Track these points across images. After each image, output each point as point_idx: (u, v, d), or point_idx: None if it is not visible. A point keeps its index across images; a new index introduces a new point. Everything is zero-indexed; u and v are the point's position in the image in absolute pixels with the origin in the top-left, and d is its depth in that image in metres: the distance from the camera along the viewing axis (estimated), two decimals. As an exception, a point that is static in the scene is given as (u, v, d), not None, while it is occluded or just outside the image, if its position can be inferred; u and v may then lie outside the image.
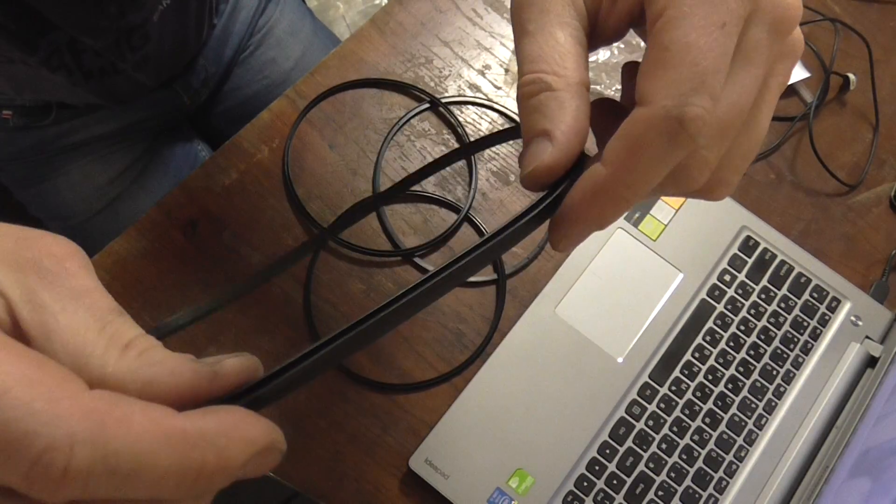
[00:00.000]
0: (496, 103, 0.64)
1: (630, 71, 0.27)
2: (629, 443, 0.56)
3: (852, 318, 0.62)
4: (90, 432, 0.14)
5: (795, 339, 0.61)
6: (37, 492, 0.14)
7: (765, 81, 0.24)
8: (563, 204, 0.25)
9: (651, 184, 0.23)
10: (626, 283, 0.60)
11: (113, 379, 0.18)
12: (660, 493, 0.56)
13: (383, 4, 0.94)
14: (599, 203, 0.23)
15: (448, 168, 0.62)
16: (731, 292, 0.61)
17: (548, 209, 0.25)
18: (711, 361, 0.59)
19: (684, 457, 0.57)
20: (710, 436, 0.58)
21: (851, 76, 0.70)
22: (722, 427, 0.58)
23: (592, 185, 0.23)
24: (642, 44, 0.69)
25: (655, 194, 0.26)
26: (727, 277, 0.62)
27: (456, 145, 0.63)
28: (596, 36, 0.26)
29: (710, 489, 0.56)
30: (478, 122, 0.64)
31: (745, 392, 0.59)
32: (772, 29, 0.23)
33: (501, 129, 0.26)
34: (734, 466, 0.57)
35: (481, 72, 0.65)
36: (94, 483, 0.15)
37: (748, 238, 0.63)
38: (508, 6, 0.68)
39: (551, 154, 0.24)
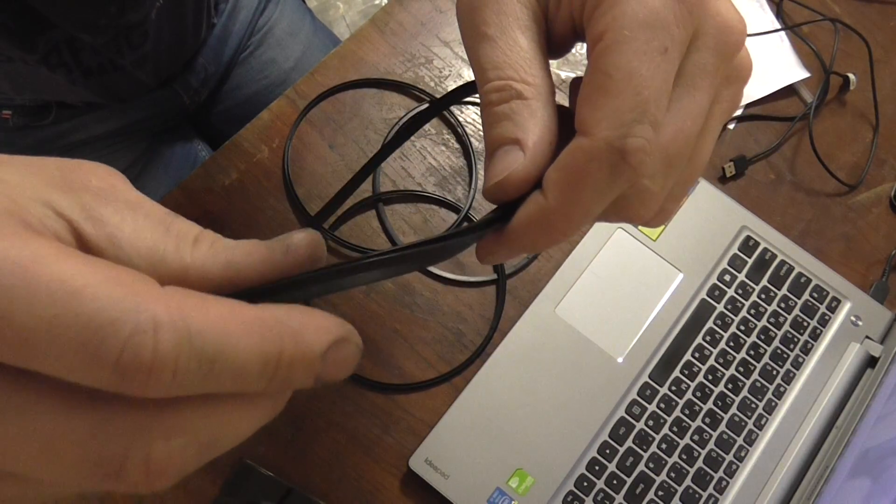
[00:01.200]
0: (496, 103, 0.64)
1: (577, 87, 0.26)
2: (629, 443, 0.56)
3: (852, 318, 0.62)
4: (171, 315, 0.15)
5: (795, 339, 0.61)
6: (128, 384, 0.14)
7: (710, 108, 0.23)
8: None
9: (591, 216, 0.22)
10: (626, 283, 0.60)
11: (194, 267, 0.18)
12: (660, 493, 0.56)
13: (383, 4, 0.94)
14: (535, 232, 0.23)
15: (448, 168, 0.62)
16: (731, 292, 0.61)
17: (503, 222, 0.24)
18: (711, 361, 0.59)
19: (684, 457, 0.57)
20: (710, 436, 0.58)
21: (851, 76, 0.70)
22: (722, 427, 0.58)
23: (530, 214, 0.23)
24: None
25: (600, 221, 0.25)
26: (727, 277, 0.62)
27: (456, 146, 0.63)
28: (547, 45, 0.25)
29: (710, 489, 0.56)
30: (478, 122, 0.64)
31: (745, 392, 0.59)
32: (716, 52, 0.23)
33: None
34: (734, 466, 0.57)
35: (481, 72, 0.65)
36: (182, 370, 0.15)
37: (748, 238, 0.63)
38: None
39: (524, 165, 0.23)
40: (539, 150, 0.23)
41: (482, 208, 0.61)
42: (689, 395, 0.58)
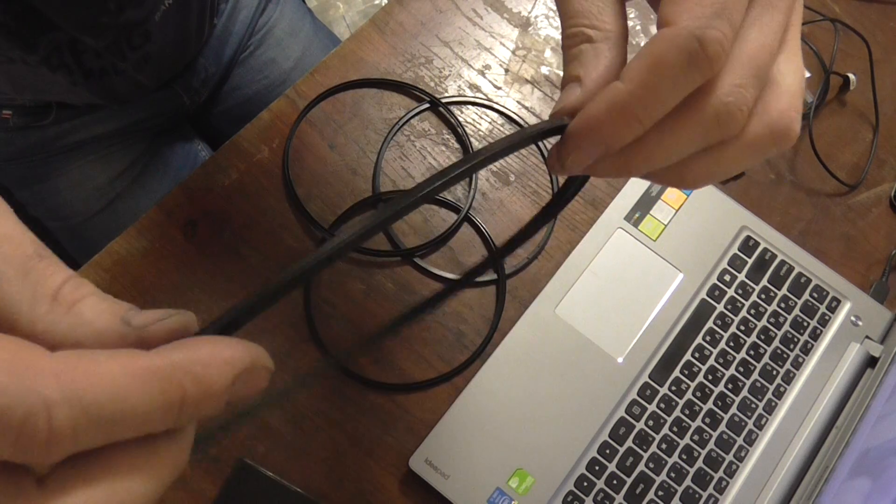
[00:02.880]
0: (496, 103, 0.64)
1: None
2: (629, 443, 0.56)
3: (852, 318, 0.62)
4: (62, 392, 0.15)
5: (795, 339, 0.61)
6: (32, 458, 0.15)
7: (786, 29, 0.25)
8: (577, 119, 0.25)
9: (666, 105, 0.23)
10: (626, 283, 0.60)
11: (42, 339, 0.17)
12: (660, 493, 0.56)
13: (383, 4, 0.94)
14: (613, 119, 0.24)
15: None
16: (731, 292, 0.61)
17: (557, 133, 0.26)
18: (711, 361, 0.59)
19: (684, 457, 0.57)
20: (710, 436, 0.58)
21: (851, 76, 0.70)
22: (722, 427, 0.58)
23: (609, 101, 0.24)
24: (642, 43, 0.69)
25: (696, 145, 0.25)
26: (727, 277, 0.62)
27: (456, 146, 0.63)
28: None
29: (710, 489, 0.56)
30: (478, 122, 0.64)
31: (745, 392, 0.59)
32: None
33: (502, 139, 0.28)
34: (734, 466, 0.57)
35: (481, 72, 0.65)
36: (82, 436, 0.15)
37: (748, 238, 0.63)
38: (508, 6, 0.68)
39: (577, 97, 0.25)
40: (595, 86, 0.25)
41: (482, 209, 0.61)
42: (689, 395, 0.58)
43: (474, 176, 0.62)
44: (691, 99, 0.24)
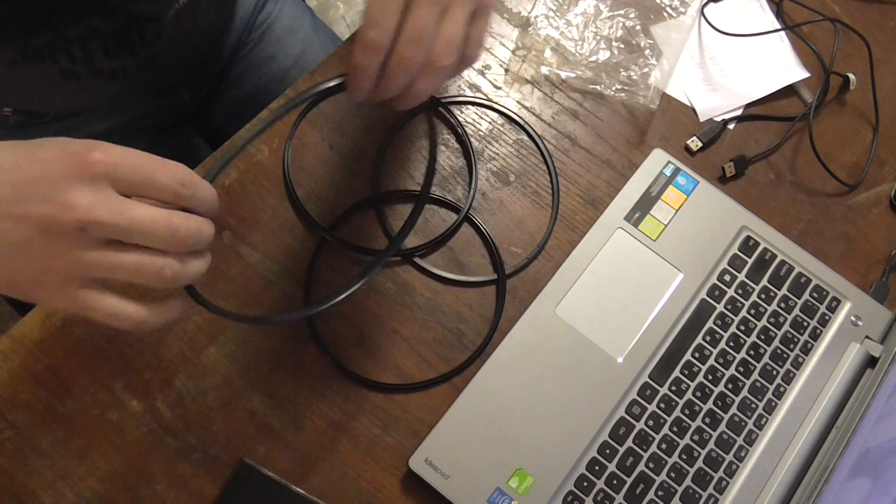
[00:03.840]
0: (496, 103, 0.64)
1: None
2: (629, 443, 0.56)
3: (852, 318, 0.62)
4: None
5: (795, 339, 0.61)
6: (182, 201, 0.35)
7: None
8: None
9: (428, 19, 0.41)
10: (626, 283, 0.60)
11: None
12: (660, 493, 0.56)
13: (383, 4, 0.94)
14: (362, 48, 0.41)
15: (448, 168, 0.62)
16: (731, 292, 0.61)
17: None
18: (711, 361, 0.59)
19: (684, 457, 0.57)
20: (710, 436, 0.58)
21: (851, 76, 0.70)
22: (722, 427, 0.58)
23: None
24: (642, 43, 0.69)
25: (434, 83, 0.43)
26: (727, 277, 0.62)
27: (456, 146, 0.63)
28: None
29: (710, 489, 0.56)
30: (478, 123, 0.64)
31: (745, 392, 0.59)
32: None
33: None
34: (734, 466, 0.57)
35: (481, 72, 0.65)
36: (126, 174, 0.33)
37: (748, 238, 0.63)
38: (508, 6, 0.68)
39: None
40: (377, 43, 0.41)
41: (482, 208, 0.61)
42: (689, 395, 0.58)
43: (475, 176, 0.62)
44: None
